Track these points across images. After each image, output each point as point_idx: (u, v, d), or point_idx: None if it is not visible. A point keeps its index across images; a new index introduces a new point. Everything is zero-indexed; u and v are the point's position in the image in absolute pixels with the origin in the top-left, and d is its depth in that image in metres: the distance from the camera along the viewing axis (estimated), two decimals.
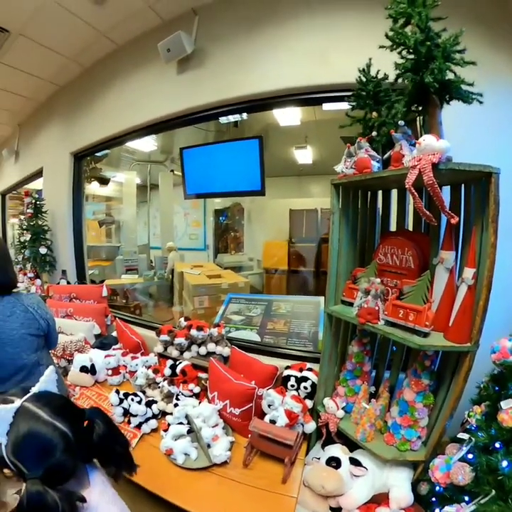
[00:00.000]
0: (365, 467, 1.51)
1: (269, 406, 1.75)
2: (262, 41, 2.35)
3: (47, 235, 4.09)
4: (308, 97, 2.24)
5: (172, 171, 6.90)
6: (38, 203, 4.03)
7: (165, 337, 2.34)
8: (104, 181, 6.51)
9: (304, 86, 2.18)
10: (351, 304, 1.56)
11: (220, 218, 7.85)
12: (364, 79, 1.60)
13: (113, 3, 2.68)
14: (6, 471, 0.75)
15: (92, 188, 6.58)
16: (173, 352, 2.33)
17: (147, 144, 5.28)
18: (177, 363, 2.21)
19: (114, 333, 2.93)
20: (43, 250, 3.97)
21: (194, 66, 2.65)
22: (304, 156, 5.47)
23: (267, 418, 1.71)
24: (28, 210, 4.01)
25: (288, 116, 3.53)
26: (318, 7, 2.13)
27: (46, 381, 0.85)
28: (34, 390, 0.82)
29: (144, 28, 3.00)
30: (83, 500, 0.74)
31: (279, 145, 4.91)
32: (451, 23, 1.25)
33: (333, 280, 1.68)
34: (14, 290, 1.68)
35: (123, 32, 3.10)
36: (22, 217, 4.28)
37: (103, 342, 2.79)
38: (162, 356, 2.41)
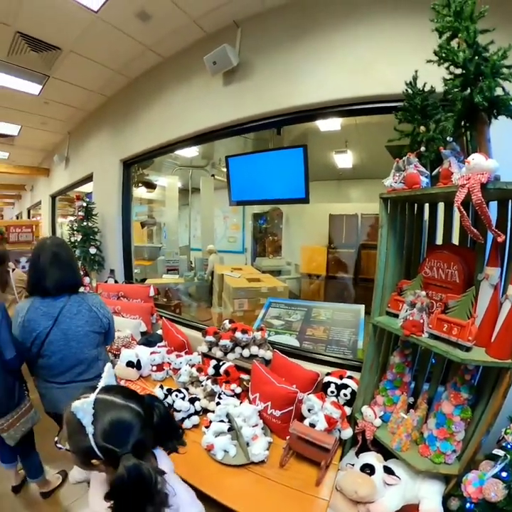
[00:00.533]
0: (398, 476, 1.52)
1: (308, 410, 1.80)
2: (305, 52, 2.37)
3: (96, 236, 4.34)
4: (353, 109, 2.24)
5: (213, 175, 7.07)
6: (88, 206, 4.28)
7: (210, 338, 2.43)
8: (151, 186, 6.76)
9: (349, 97, 2.18)
10: (395, 315, 1.59)
11: (259, 222, 7.93)
12: (410, 91, 1.61)
13: (158, 18, 2.82)
14: (93, 461, 0.83)
15: (139, 192, 6.86)
16: (218, 352, 2.41)
17: (189, 150, 5.45)
18: (220, 363, 2.30)
19: (159, 331, 3.06)
20: (92, 250, 4.23)
21: (240, 78, 2.72)
22: (344, 160, 5.45)
23: (306, 421, 1.76)
24: (80, 213, 4.28)
25: (328, 122, 3.53)
26: (361, 18, 2.13)
27: (107, 376, 0.96)
28: (101, 385, 0.93)
29: (188, 41, 3.12)
30: (163, 472, 0.84)
31: (319, 149, 4.92)
32: (498, 33, 1.24)
33: (379, 291, 1.70)
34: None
35: (168, 45, 3.24)
36: (72, 218, 4.55)
37: (149, 339, 2.92)
38: (206, 356, 2.50)
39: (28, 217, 10.99)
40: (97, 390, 0.89)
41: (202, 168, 7.05)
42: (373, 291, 1.71)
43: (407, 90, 1.62)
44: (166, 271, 6.15)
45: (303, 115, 2.47)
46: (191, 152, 5.66)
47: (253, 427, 1.83)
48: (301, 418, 1.84)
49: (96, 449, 0.81)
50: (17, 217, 13.70)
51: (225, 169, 6.73)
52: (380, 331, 1.74)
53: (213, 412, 1.98)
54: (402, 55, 1.95)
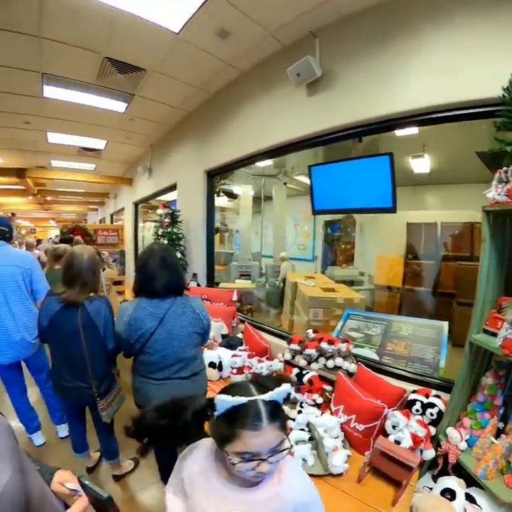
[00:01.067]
0: (479, 506, 1.43)
1: (393, 427, 1.77)
2: (390, 58, 2.29)
3: (181, 241, 4.61)
4: (444, 116, 2.12)
5: (285, 183, 7.18)
6: (174, 213, 4.59)
7: (295, 346, 2.43)
8: (233, 196, 7.03)
9: (440, 104, 2.07)
10: (493, 334, 1.51)
11: (331, 230, 7.87)
12: (508, 97, 1.52)
13: (237, 35, 2.94)
14: None
15: (221, 200, 7.18)
16: (301, 361, 2.41)
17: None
18: (303, 372, 2.31)
19: (239, 335, 3.18)
20: (177, 255, 4.44)
21: (324, 88, 2.70)
22: (421, 165, 5.19)
23: (391, 438, 1.73)
24: (166, 220, 4.58)
25: None
26: (447, 17, 2.00)
27: None
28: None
29: (266, 54, 3.21)
30: None
31: (395, 154, 4.77)
32: None
33: (479, 308, 1.62)
34: None
35: (247, 60, 3.36)
36: (156, 224, 4.89)
37: (229, 342, 3.02)
38: (288, 363, 2.50)
39: (111, 222, 11.95)
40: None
41: (274, 177, 7.19)
42: (473, 307, 1.63)
43: (503, 95, 1.53)
44: (238, 276, 6.32)
45: (391, 124, 2.41)
46: (264, 161, 5.79)
47: (334, 438, 1.82)
48: (384, 435, 1.80)
49: None
50: (100, 222, 15.04)
51: (297, 177, 6.81)
52: (475, 349, 1.67)
53: (294, 420, 1.99)
54: (497, 56, 1.80)
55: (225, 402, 0.83)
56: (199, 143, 4.58)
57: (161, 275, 1.84)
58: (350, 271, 6.67)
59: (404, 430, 1.71)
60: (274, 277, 6.59)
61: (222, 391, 0.90)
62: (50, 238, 15.00)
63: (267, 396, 0.84)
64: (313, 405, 2.12)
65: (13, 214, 13.37)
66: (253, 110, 3.49)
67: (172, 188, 5.58)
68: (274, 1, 2.51)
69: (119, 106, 4.72)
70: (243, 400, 0.83)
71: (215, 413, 0.86)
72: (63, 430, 2.98)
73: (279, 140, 3.11)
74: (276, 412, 0.84)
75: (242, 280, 6.16)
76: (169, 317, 1.84)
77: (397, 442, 1.68)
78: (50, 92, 4.35)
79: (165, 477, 2.29)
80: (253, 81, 3.49)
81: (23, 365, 2.81)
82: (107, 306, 2.05)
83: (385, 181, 2.75)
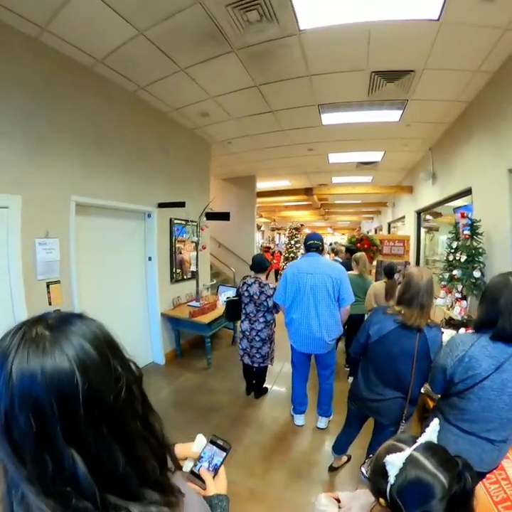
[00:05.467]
0: None
1: None
2: None
3: (481, 257, 3.80)
4: None
5: None
6: (474, 224, 3.83)
7: None
8: None
9: None
10: None
11: None
12: None
13: None
14: (381, 500, 0.89)
15: None
16: None
17: None
18: None
19: None
20: (476, 274, 3.73)
21: None
22: None
23: None
24: (465, 232, 3.91)
25: None
26: None
27: (431, 432, 0.93)
28: (421, 440, 0.91)
29: None
30: None
31: None
32: None
33: None
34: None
35: None
36: (450, 236, 4.31)
37: None
38: None
39: (388, 231, 12.07)
40: (416, 445, 0.90)
41: None
42: None
43: None
44: None
45: None
46: None
47: None
48: None
49: (388, 496, 0.86)
50: (375, 230, 15.42)
51: None
52: None
53: None
54: None
55: None
56: (494, 137, 3.73)
57: None
58: None
59: None
60: None
61: None
62: (330, 243, 16.70)
63: None
64: None
65: (301, 225, 15.68)
66: None
67: (464, 193, 4.77)
68: None
69: (394, 115, 4.76)
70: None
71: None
72: (322, 423, 3.34)
73: None
74: None
75: None
76: (510, 364, 1.51)
77: None
78: (328, 119, 4.91)
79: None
80: None
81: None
82: (441, 335, 1.98)
83: None
